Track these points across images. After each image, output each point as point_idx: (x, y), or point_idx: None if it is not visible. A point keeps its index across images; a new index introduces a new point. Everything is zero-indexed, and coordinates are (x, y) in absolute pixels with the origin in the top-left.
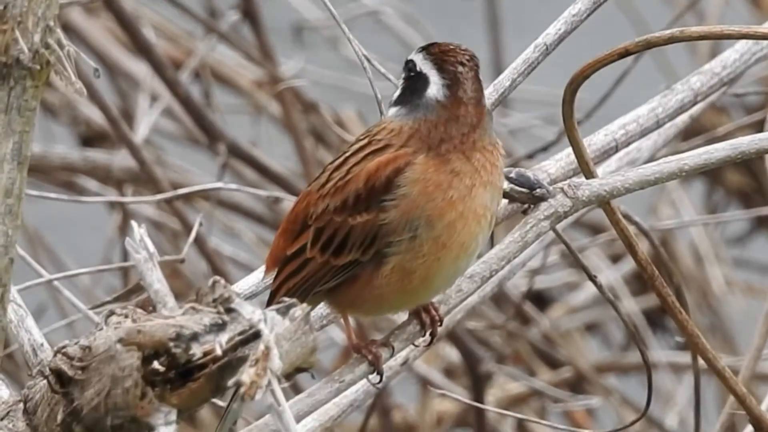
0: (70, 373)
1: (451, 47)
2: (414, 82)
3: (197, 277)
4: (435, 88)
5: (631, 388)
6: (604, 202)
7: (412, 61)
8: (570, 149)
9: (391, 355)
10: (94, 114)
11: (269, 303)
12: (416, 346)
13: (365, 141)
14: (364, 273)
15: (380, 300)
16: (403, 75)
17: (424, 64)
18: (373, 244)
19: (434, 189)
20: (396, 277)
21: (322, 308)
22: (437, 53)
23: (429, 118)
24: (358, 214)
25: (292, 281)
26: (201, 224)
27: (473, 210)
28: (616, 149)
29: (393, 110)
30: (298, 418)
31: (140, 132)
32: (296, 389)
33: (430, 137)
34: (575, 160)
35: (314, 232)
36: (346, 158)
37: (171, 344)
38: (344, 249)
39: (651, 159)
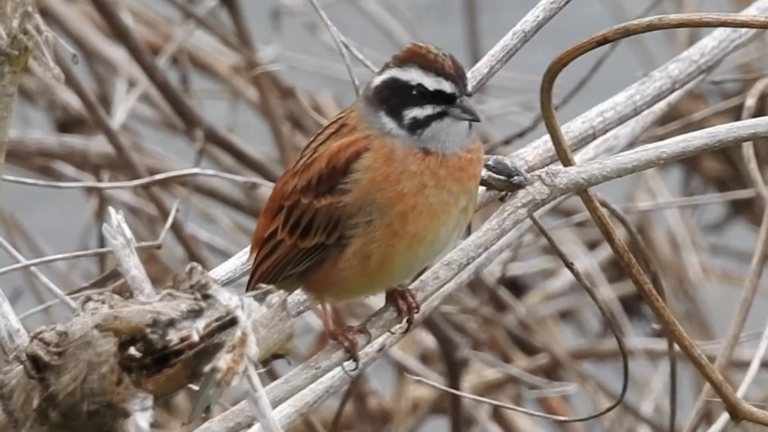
0: (47, 358)
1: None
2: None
3: (174, 263)
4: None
5: (607, 375)
6: (581, 189)
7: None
8: (548, 136)
9: (368, 342)
10: (71, 99)
11: (249, 285)
12: (392, 333)
13: (336, 121)
14: (330, 256)
15: (345, 283)
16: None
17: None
18: (337, 227)
19: (383, 179)
20: (356, 260)
21: (299, 294)
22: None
23: None
24: (322, 196)
25: (265, 264)
26: (178, 210)
27: (428, 205)
28: (594, 136)
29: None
30: (275, 404)
31: (117, 117)
32: (273, 375)
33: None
34: (553, 148)
35: (285, 213)
36: (316, 137)
37: (148, 330)
38: (310, 231)
39: (629, 146)
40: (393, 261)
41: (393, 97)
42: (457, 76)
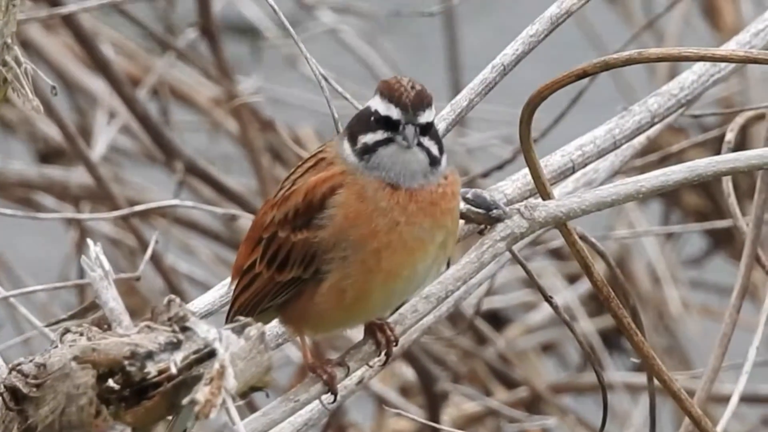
0: (25, 390)
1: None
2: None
3: (154, 295)
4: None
5: (587, 409)
6: (560, 223)
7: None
8: (527, 170)
9: (347, 375)
10: (51, 130)
11: (228, 315)
12: (371, 366)
13: (315, 155)
14: (307, 289)
15: (322, 316)
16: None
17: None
18: (313, 261)
19: (355, 217)
20: (332, 295)
21: (277, 327)
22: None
23: None
24: (299, 230)
25: (243, 296)
26: (157, 241)
27: (402, 242)
28: (573, 170)
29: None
30: None
31: (98, 149)
32: (251, 408)
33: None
34: (532, 181)
35: (263, 245)
36: (296, 169)
37: (126, 362)
38: (287, 265)
39: (608, 180)
40: (369, 296)
41: (355, 125)
42: (411, 105)
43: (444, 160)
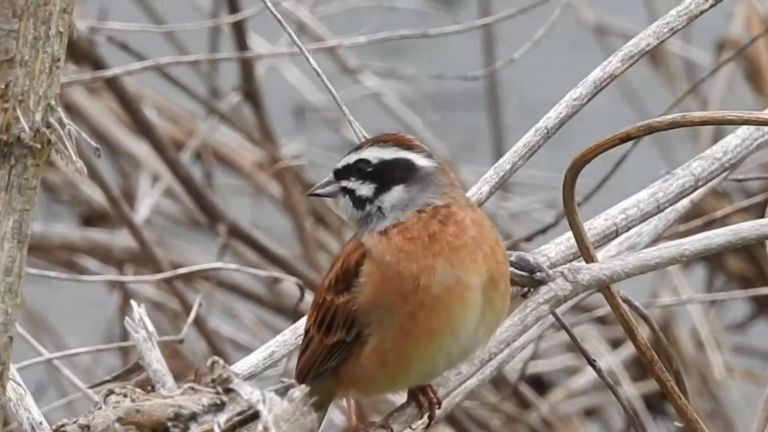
0: None
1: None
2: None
3: (196, 358)
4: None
5: None
6: (604, 286)
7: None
8: (570, 233)
9: None
10: (95, 193)
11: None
12: (413, 429)
13: None
14: (353, 353)
15: (368, 380)
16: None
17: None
18: (354, 325)
19: (382, 284)
20: (375, 358)
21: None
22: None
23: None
24: (341, 294)
25: (301, 359)
26: (201, 304)
27: (433, 297)
28: (617, 233)
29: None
30: None
31: (141, 212)
32: None
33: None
34: (575, 244)
35: (316, 309)
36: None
37: (169, 424)
38: (332, 328)
39: (651, 243)
40: (411, 358)
41: None
42: (349, 152)
43: (393, 194)
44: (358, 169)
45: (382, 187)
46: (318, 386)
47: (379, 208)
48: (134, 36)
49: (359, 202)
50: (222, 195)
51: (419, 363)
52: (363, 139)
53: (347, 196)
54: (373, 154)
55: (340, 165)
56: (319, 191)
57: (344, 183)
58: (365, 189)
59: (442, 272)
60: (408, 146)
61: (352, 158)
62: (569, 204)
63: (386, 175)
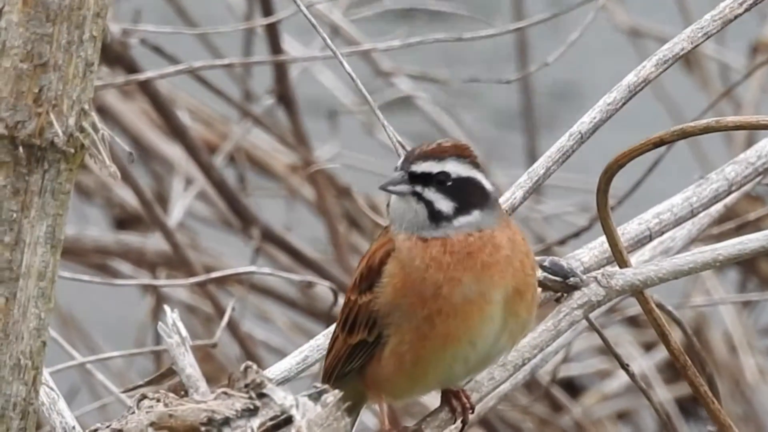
0: None
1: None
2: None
3: (230, 362)
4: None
5: None
6: (637, 291)
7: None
8: (604, 238)
9: None
10: (128, 197)
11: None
12: None
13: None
14: (376, 354)
15: (389, 382)
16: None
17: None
18: (375, 325)
19: (402, 286)
20: (393, 360)
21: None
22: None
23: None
24: (363, 293)
25: (327, 360)
26: (234, 308)
27: (452, 305)
28: (650, 238)
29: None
30: None
31: (174, 215)
32: None
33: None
34: (609, 249)
35: (341, 309)
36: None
37: (203, 429)
38: (355, 328)
39: (685, 248)
40: (428, 362)
41: None
42: (413, 155)
43: (465, 218)
44: (439, 181)
45: (462, 209)
46: (347, 389)
47: (444, 225)
48: (167, 39)
49: (436, 214)
50: (255, 198)
51: (436, 367)
52: (396, 143)
53: (421, 204)
54: (454, 169)
55: (418, 170)
56: (391, 188)
57: (419, 188)
58: (445, 205)
59: (467, 285)
60: (474, 162)
61: (434, 168)
62: (603, 209)
63: (464, 195)
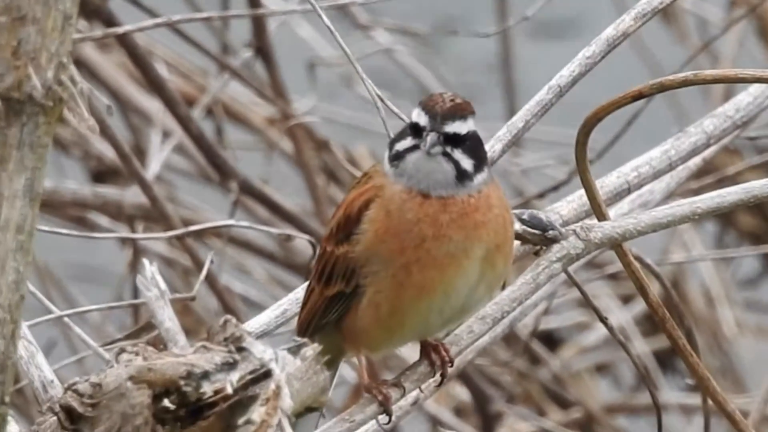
0: (80, 410)
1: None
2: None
3: (208, 315)
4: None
5: (640, 430)
6: (616, 244)
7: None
8: (582, 191)
9: (402, 395)
10: (105, 150)
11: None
12: (422, 391)
13: (366, 173)
14: (353, 305)
15: (366, 333)
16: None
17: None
18: (353, 276)
19: (384, 232)
20: (370, 310)
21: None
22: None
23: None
24: (340, 244)
25: (302, 313)
26: (212, 261)
27: (432, 258)
28: (629, 191)
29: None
30: None
31: (152, 168)
32: None
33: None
34: (587, 202)
35: (316, 261)
36: (350, 186)
37: (182, 382)
38: (332, 279)
39: (663, 201)
40: (404, 312)
41: (395, 136)
42: (440, 114)
43: (481, 176)
44: (462, 140)
45: (478, 166)
46: (325, 342)
47: (466, 185)
48: None
49: (462, 173)
50: (233, 151)
51: (412, 318)
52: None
53: (451, 164)
54: (473, 127)
55: (450, 130)
56: (432, 151)
57: (449, 149)
58: (468, 164)
59: (454, 243)
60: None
61: (462, 128)
62: (582, 162)
63: (478, 152)
